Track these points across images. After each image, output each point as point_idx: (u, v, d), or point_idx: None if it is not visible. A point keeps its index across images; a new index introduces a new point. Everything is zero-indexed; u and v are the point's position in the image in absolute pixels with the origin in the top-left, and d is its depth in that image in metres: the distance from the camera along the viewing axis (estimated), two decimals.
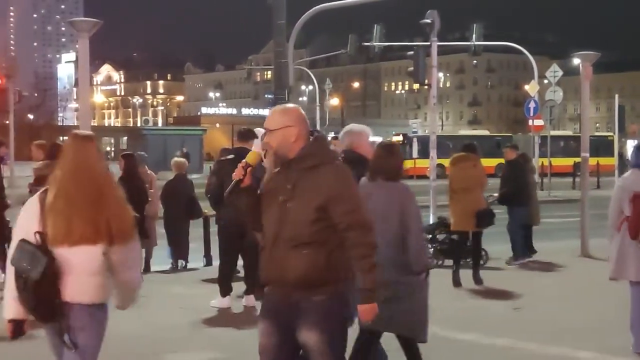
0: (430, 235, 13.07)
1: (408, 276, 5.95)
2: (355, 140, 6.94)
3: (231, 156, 9.68)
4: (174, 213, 12.95)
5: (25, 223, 4.43)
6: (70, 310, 4.40)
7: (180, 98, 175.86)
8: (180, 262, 13.08)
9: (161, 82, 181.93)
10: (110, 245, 4.39)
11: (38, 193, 4.50)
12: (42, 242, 4.30)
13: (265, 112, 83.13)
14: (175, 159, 14.00)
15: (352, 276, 4.51)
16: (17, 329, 4.44)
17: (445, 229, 13.03)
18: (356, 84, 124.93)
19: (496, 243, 13.92)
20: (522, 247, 13.60)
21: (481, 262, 12.71)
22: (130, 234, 4.56)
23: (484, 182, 11.57)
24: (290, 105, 4.78)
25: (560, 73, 31.73)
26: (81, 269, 4.35)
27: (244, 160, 4.63)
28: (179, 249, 13.06)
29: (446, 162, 13.81)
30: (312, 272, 4.41)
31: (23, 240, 4.36)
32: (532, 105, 30.82)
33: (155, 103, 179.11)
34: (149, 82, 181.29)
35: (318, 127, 56.29)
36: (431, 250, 12.90)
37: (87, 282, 4.40)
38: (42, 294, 4.26)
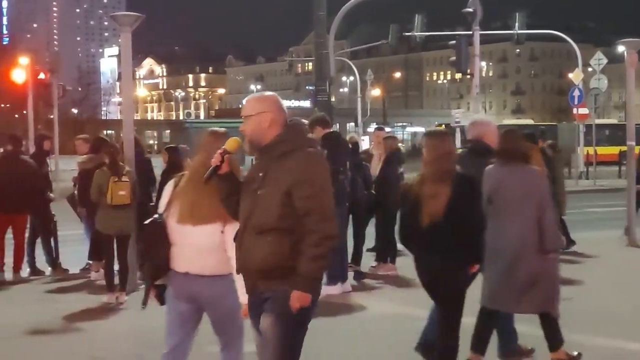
0: None
1: (543, 256, 6.21)
2: (482, 130, 7.04)
3: None
4: None
5: (162, 202, 5.14)
6: (193, 282, 4.98)
7: (221, 91, 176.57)
8: None
9: (203, 75, 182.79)
10: (225, 225, 4.88)
11: (175, 177, 5.19)
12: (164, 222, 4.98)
13: (306, 103, 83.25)
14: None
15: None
16: None
17: None
18: (398, 75, 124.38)
19: None
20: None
21: None
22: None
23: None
24: (266, 92, 4.75)
25: (605, 61, 31.33)
26: (203, 245, 4.90)
27: (222, 147, 4.60)
28: None
29: None
30: (273, 260, 4.32)
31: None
32: (576, 93, 30.47)
33: (197, 96, 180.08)
34: (190, 76, 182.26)
35: (359, 118, 56.15)
36: None
37: (208, 256, 4.93)
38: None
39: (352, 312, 9.12)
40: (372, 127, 77.65)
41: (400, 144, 13.13)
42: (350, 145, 11.01)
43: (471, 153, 7.00)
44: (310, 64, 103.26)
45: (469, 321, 6.34)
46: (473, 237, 5.69)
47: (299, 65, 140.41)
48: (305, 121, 11.61)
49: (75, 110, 71.35)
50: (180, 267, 5.04)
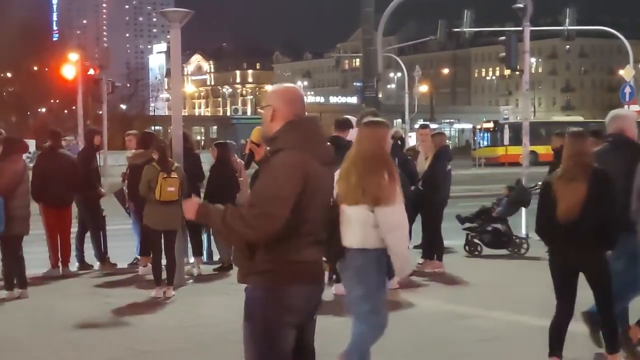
0: (471, 224, 12.97)
1: None
2: (622, 124, 7.05)
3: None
4: None
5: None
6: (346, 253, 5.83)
7: (268, 87, 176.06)
8: None
9: (250, 71, 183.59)
10: (374, 206, 5.66)
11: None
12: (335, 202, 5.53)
13: (353, 99, 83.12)
14: None
15: (296, 276, 4.19)
16: None
17: (488, 219, 12.89)
18: (446, 71, 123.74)
19: None
20: None
21: (522, 250, 12.60)
22: (386, 200, 5.69)
23: None
24: (283, 85, 4.48)
25: None
26: (354, 222, 5.72)
27: (249, 139, 4.64)
28: None
29: (539, 148, 13.60)
30: (238, 258, 4.26)
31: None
32: (627, 90, 30.03)
33: (244, 92, 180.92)
34: (238, 72, 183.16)
35: (407, 115, 55.95)
36: (471, 239, 12.93)
37: (357, 232, 5.75)
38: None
39: (398, 310, 9.08)
40: (419, 124, 77.50)
41: (447, 141, 13.07)
42: (398, 141, 10.96)
43: (612, 147, 6.99)
44: (358, 60, 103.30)
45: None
46: (608, 230, 6.13)
47: (346, 61, 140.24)
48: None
49: (123, 107, 72.08)
50: None
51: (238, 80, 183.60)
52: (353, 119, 11.49)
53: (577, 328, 7.78)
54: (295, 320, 4.30)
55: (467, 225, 13.12)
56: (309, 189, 4.12)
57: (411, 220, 11.63)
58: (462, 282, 10.71)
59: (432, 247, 11.71)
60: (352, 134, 11.23)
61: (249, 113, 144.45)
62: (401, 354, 7.26)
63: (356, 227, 5.78)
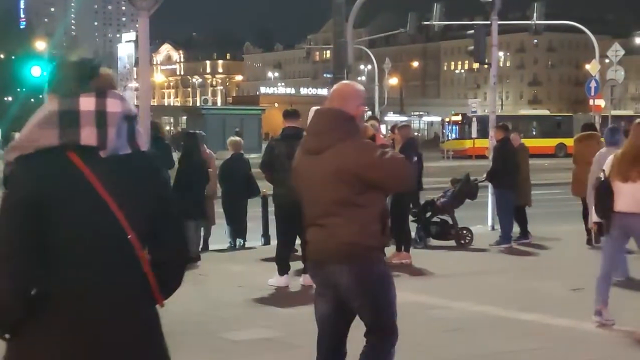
0: (417, 217, 13.16)
1: None
2: None
3: (279, 137, 9.82)
4: (231, 192, 13.04)
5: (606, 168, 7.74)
6: (626, 218, 7.43)
7: (239, 78, 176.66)
8: (239, 241, 13.19)
9: (220, 61, 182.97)
10: None
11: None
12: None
13: (324, 91, 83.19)
14: (231, 138, 14.09)
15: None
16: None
17: (433, 210, 13.11)
18: (415, 64, 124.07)
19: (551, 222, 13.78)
20: (508, 232, 13.08)
21: (464, 242, 12.78)
22: None
23: None
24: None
25: (622, 52, 31.18)
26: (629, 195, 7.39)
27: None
28: (237, 228, 13.16)
29: None
30: (377, 233, 4.78)
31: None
32: (593, 84, 30.30)
33: (214, 83, 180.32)
34: (208, 62, 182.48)
35: (377, 107, 56.09)
36: (418, 231, 13.14)
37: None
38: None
39: None
40: (389, 116, 77.67)
41: (416, 133, 13.20)
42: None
43: None
44: (329, 52, 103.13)
45: None
46: None
47: (317, 53, 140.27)
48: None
49: None
50: (618, 208, 7.45)
51: (208, 70, 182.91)
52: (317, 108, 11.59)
53: (591, 328, 7.92)
54: None
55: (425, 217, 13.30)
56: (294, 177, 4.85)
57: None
58: (428, 274, 10.82)
59: (400, 239, 11.81)
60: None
61: (219, 103, 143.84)
62: None
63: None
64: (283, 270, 9.76)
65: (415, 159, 11.71)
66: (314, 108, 12.58)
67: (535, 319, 8.06)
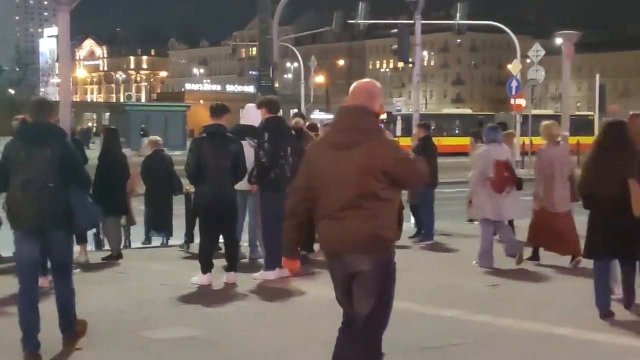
0: None
1: None
2: None
3: (204, 134, 9.71)
4: (154, 189, 12.94)
5: None
6: None
7: (164, 74, 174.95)
8: (162, 239, 13.09)
9: (145, 57, 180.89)
10: None
11: None
12: None
13: (250, 88, 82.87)
14: (150, 137, 14.06)
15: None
16: None
17: None
18: (341, 62, 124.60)
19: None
20: (430, 229, 13.33)
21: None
22: None
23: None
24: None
25: (543, 52, 31.81)
26: None
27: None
28: (159, 225, 13.05)
29: None
30: (391, 227, 5.09)
31: None
32: (514, 84, 30.90)
33: (138, 79, 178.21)
34: (132, 58, 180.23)
35: (302, 105, 56.17)
36: None
37: None
38: None
39: (289, 297, 9.20)
40: (315, 114, 77.77)
41: None
42: (293, 131, 11.03)
43: None
44: (255, 49, 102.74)
45: None
46: None
47: (243, 50, 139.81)
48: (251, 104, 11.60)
49: (12, 91, 70.10)
50: None
51: (132, 66, 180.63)
52: (252, 105, 11.60)
53: (510, 323, 8.06)
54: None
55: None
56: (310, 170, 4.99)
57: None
58: None
59: None
60: (248, 117, 11.33)
61: (143, 100, 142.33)
62: (293, 340, 7.36)
63: None
64: (206, 268, 9.71)
65: None
66: (250, 105, 12.56)
67: (455, 314, 8.19)
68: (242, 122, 11.35)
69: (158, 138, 13.59)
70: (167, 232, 13.09)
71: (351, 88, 5.05)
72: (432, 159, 13.28)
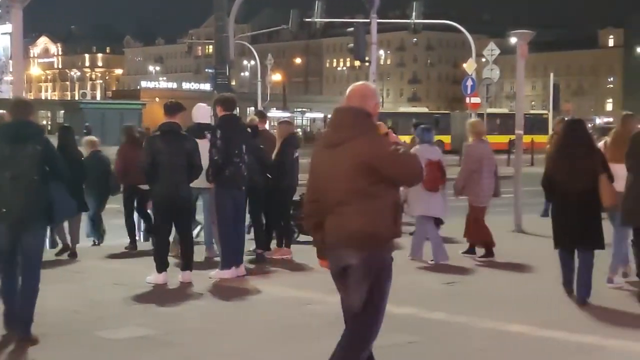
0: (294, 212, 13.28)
1: None
2: None
3: (158, 132, 9.68)
4: (90, 190, 12.84)
5: None
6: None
7: (119, 72, 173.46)
8: (94, 239, 13.06)
9: (100, 55, 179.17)
10: None
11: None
12: None
13: (206, 86, 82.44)
14: (86, 137, 13.93)
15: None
16: None
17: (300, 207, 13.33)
18: (298, 60, 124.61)
19: None
20: None
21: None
22: None
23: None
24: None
25: (498, 52, 32.02)
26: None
27: None
28: (95, 226, 13.02)
29: None
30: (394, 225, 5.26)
31: None
32: (469, 83, 31.09)
33: (93, 76, 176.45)
34: (87, 55, 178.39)
35: (259, 103, 56.03)
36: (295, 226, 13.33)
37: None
38: None
39: (246, 296, 9.18)
40: (272, 112, 77.68)
41: (298, 129, 13.32)
42: (249, 129, 11.00)
43: None
44: (211, 47, 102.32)
45: None
46: None
47: (199, 47, 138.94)
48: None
49: None
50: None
51: (87, 64, 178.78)
52: (202, 104, 11.60)
53: (464, 320, 8.09)
54: None
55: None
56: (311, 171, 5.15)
57: (262, 208, 11.76)
58: (308, 269, 10.89)
59: (282, 234, 11.87)
60: (197, 115, 11.35)
61: (98, 97, 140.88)
62: (250, 339, 7.34)
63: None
64: (161, 267, 9.65)
65: (297, 154, 11.79)
66: (200, 104, 12.55)
67: (410, 312, 8.22)
68: (193, 120, 11.34)
69: (95, 139, 13.40)
70: (99, 233, 13.06)
71: (347, 91, 5.22)
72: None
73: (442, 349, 7.07)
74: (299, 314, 8.26)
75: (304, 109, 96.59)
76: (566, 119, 11.74)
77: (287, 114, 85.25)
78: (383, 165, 4.89)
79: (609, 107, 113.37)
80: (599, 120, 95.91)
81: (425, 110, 71.73)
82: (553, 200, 8.90)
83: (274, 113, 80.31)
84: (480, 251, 11.58)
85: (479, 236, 11.59)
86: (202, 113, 11.35)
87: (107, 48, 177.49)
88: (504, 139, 40.25)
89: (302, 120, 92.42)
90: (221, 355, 6.89)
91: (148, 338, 7.33)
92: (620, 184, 8.63)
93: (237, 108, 10.61)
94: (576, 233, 8.50)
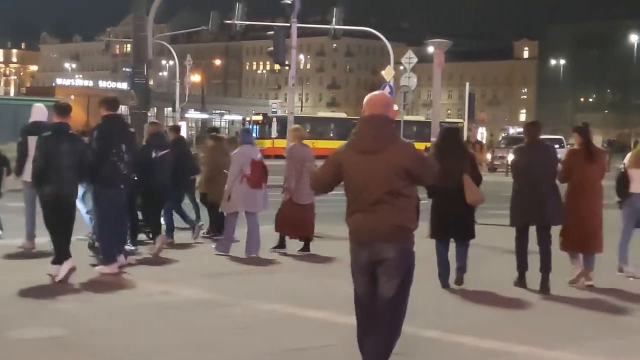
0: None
1: None
2: None
3: (49, 132, 9.80)
4: None
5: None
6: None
7: (34, 68, 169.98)
8: None
9: (15, 50, 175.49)
10: None
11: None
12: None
13: (123, 85, 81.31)
14: None
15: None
16: None
17: None
18: (218, 62, 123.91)
19: None
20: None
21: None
22: None
23: None
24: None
25: (415, 60, 32.32)
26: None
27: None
28: None
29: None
30: (412, 219, 5.92)
31: None
32: (387, 90, 31.30)
33: (7, 72, 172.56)
34: (1, 51, 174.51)
35: (177, 103, 55.57)
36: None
37: None
38: None
39: (152, 298, 9.08)
40: (190, 113, 77.09)
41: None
42: (131, 129, 11.14)
43: None
44: (129, 45, 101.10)
45: None
46: None
47: (117, 46, 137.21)
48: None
49: None
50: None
51: (1, 59, 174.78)
52: (39, 105, 12.22)
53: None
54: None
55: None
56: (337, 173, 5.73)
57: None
58: (216, 272, 10.83)
59: (152, 230, 12.29)
60: (34, 115, 11.78)
61: (12, 94, 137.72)
62: (157, 343, 7.25)
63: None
64: (60, 258, 9.62)
65: (161, 153, 11.88)
66: (36, 104, 12.73)
67: (324, 316, 8.24)
68: (30, 120, 11.76)
69: None
70: None
71: (366, 100, 5.80)
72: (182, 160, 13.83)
73: (354, 353, 7.09)
74: (208, 316, 8.21)
75: (222, 111, 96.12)
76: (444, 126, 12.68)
77: (205, 115, 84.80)
78: (415, 167, 5.61)
79: (523, 117, 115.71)
80: (512, 130, 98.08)
81: (343, 115, 72.18)
82: (432, 197, 9.88)
83: (192, 114, 79.75)
84: (299, 245, 12.40)
85: (307, 230, 12.38)
86: (38, 112, 11.96)
87: (23, 44, 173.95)
88: (420, 146, 40.63)
89: (221, 121, 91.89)
90: (133, 355, 6.79)
91: (58, 338, 7.18)
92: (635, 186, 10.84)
93: (121, 107, 10.90)
94: (450, 227, 9.67)
